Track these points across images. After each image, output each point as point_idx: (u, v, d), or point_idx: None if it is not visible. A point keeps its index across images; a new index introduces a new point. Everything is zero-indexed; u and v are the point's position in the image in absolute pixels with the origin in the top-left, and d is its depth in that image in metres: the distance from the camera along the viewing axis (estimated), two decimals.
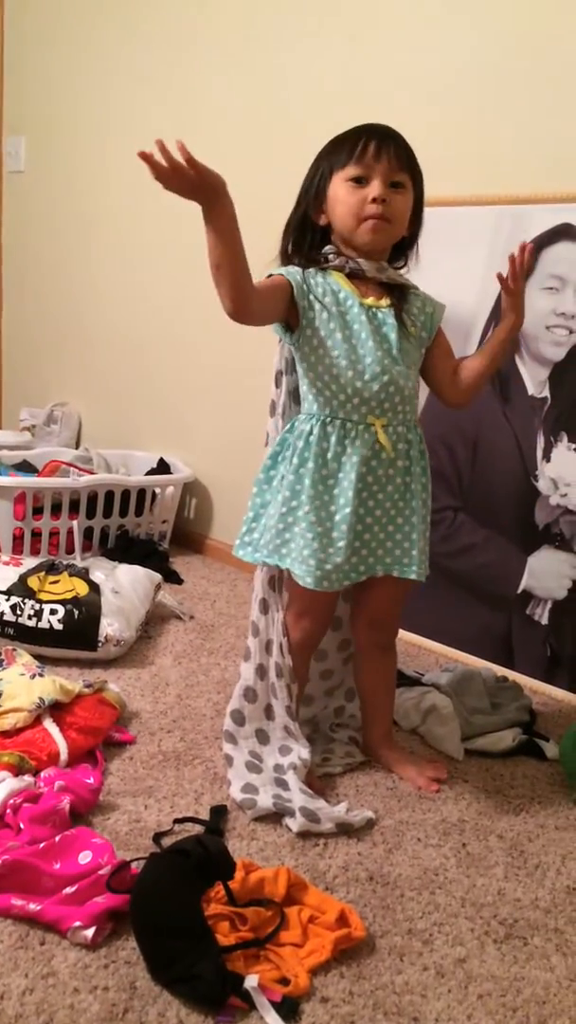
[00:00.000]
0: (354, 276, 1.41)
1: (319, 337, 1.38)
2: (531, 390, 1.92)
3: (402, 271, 1.47)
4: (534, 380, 1.92)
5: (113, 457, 2.85)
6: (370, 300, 1.40)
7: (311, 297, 1.37)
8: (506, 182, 1.93)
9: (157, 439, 2.96)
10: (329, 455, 1.40)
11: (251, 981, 1.03)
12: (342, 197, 1.36)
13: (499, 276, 1.44)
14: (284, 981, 1.06)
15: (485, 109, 1.98)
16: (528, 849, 1.38)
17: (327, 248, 1.42)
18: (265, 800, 1.40)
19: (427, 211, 2.03)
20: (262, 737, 1.54)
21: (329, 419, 1.40)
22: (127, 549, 2.54)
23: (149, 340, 2.97)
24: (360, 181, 1.35)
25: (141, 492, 2.64)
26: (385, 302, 1.42)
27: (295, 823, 1.36)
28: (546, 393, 1.91)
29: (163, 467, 2.81)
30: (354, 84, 2.23)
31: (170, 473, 2.78)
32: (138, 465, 2.86)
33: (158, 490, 2.69)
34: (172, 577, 2.51)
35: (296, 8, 2.35)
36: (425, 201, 2.02)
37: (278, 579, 1.51)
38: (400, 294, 1.44)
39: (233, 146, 2.47)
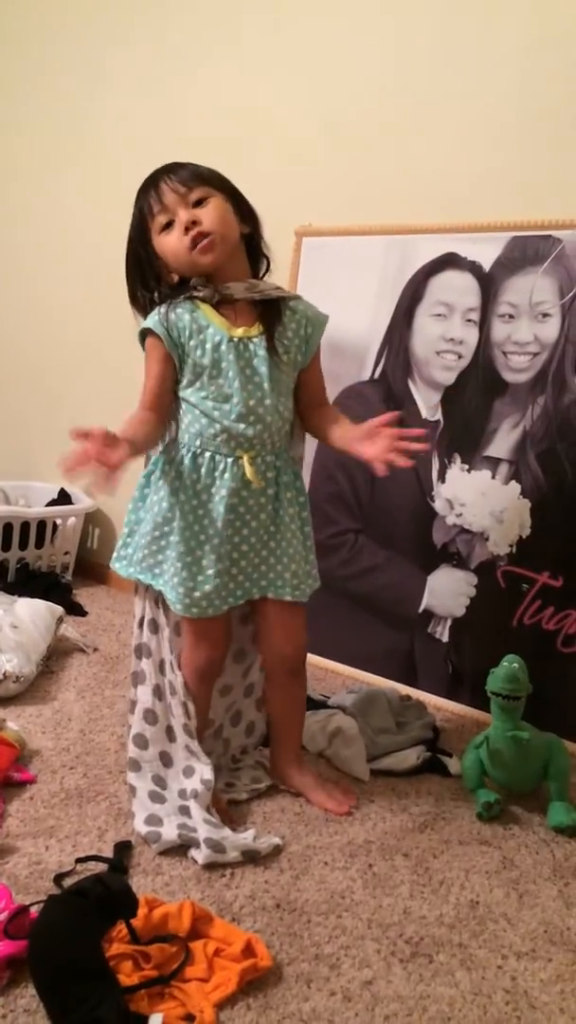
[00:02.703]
0: (224, 303, 1.40)
1: (187, 378, 1.41)
2: (424, 413, 1.97)
3: (268, 275, 1.48)
4: (427, 404, 1.97)
5: (11, 489, 2.78)
6: (240, 331, 1.40)
7: (180, 343, 1.39)
8: (395, 213, 1.98)
9: (57, 470, 2.89)
10: (199, 487, 1.42)
11: (155, 1020, 1.01)
12: (166, 247, 1.38)
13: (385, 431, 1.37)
14: (190, 1018, 1.04)
15: (376, 144, 2.05)
16: (433, 866, 1.40)
17: (194, 280, 1.41)
18: (170, 833, 1.38)
19: (319, 240, 2.10)
20: (165, 759, 1.53)
21: (199, 451, 1.42)
22: (28, 582, 2.48)
23: (47, 367, 2.92)
24: (170, 225, 1.36)
25: (41, 524, 2.58)
26: (256, 330, 1.41)
27: (200, 855, 1.34)
28: (439, 416, 1.96)
29: (64, 498, 2.76)
30: (250, 117, 2.27)
31: (71, 504, 2.73)
32: (38, 496, 2.80)
33: (59, 521, 2.65)
34: (75, 609, 2.46)
35: (198, 41, 2.38)
36: (318, 231, 2.06)
37: (163, 599, 1.51)
38: (273, 315, 1.43)
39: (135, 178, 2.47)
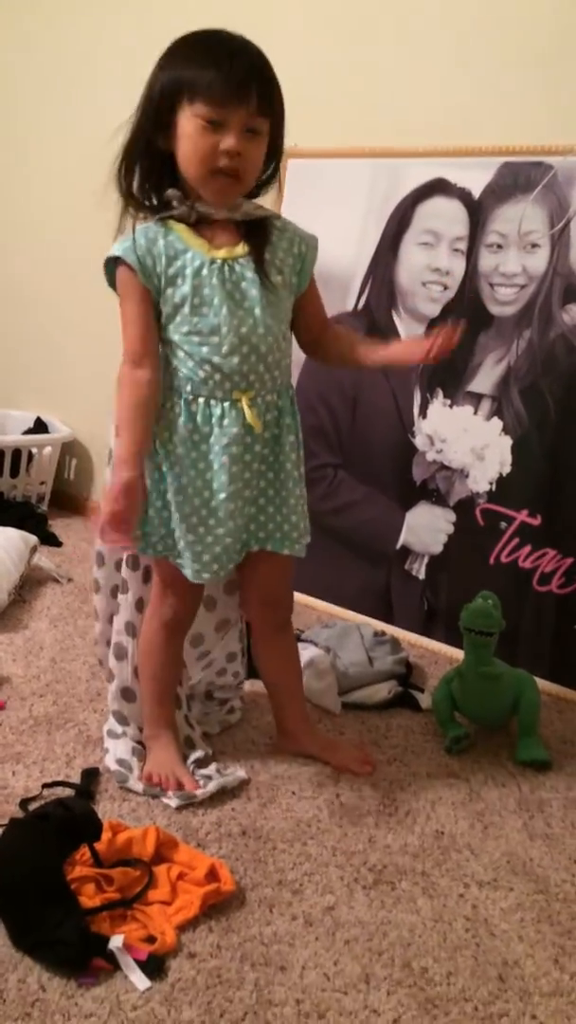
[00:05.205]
0: (202, 222, 1.25)
1: (167, 313, 1.25)
2: None
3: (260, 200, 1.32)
4: (411, 336, 1.93)
5: None
6: (223, 252, 1.24)
7: (157, 272, 1.23)
8: (382, 135, 1.91)
9: (34, 398, 2.85)
10: (196, 438, 1.28)
11: (115, 941, 1.01)
12: (191, 136, 1.18)
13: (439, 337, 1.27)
14: (151, 939, 1.05)
15: (365, 64, 1.96)
16: (399, 797, 1.41)
17: (170, 192, 1.23)
18: (136, 786, 1.37)
19: (305, 163, 2.02)
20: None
21: (191, 397, 1.27)
22: (2, 512, 2.45)
23: (23, 294, 2.84)
24: (214, 124, 1.17)
25: (16, 453, 2.54)
26: (241, 250, 1.25)
27: (172, 801, 1.33)
28: None
29: (40, 427, 2.71)
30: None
31: (48, 433, 2.69)
32: (14, 425, 2.75)
33: (35, 450, 2.60)
34: (50, 540, 2.44)
35: None
36: (304, 152, 1.97)
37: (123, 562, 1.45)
38: (260, 235, 1.27)
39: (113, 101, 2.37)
